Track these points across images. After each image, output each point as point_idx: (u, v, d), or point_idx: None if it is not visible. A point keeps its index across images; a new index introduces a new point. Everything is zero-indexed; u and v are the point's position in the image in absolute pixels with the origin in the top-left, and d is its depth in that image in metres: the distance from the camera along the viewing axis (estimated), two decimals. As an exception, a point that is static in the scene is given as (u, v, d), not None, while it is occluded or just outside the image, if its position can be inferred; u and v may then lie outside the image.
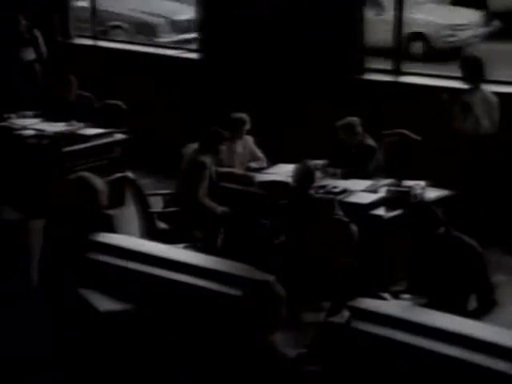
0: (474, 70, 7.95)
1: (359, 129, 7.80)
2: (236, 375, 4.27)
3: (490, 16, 15.26)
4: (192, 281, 5.03)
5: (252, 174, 7.90)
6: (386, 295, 5.57)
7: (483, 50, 13.38)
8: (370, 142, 7.82)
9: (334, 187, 7.30)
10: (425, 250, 5.71)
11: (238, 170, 7.97)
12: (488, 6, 15.35)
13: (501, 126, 7.91)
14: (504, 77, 8.97)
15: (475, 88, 7.90)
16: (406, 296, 5.63)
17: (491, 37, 14.89)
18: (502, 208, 8.21)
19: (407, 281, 5.92)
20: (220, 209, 7.57)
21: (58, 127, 9.12)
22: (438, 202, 7.02)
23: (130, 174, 7.73)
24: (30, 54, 10.98)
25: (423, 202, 6.40)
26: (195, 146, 7.76)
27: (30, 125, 9.25)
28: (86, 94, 9.54)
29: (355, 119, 7.83)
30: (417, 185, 7.23)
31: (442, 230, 5.64)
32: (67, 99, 9.48)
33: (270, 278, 4.90)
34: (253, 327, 4.29)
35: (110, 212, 5.92)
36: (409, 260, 5.94)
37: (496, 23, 15.14)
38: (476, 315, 5.51)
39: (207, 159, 7.55)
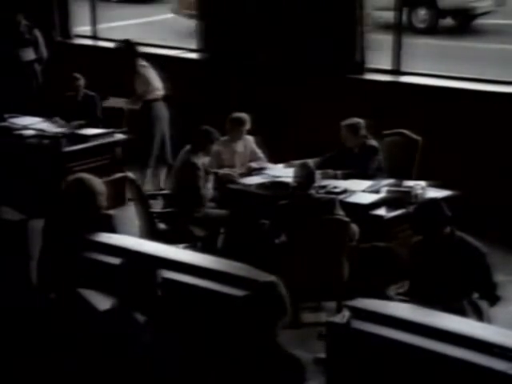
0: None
1: (363, 131, 7.74)
2: (239, 372, 4.30)
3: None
4: (192, 281, 5.02)
5: (236, 174, 7.87)
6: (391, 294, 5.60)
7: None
8: (373, 142, 7.80)
9: (335, 187, 7.29)
10: (429, 248, 5.70)
11: (221, 171, 7.93)
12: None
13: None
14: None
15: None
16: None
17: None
18: (504, 208, 8.22)
19: (408, 279, 5.89)
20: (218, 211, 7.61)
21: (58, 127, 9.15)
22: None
23: (130, 174, 7.73)
24: (29, 54, 10.98)
25: (433, 200, 6.35)
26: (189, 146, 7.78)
27: (30, 125, 9.26)
28: (93, 93, 9.57)
29: (360, 121, 7.75)
30: (417, 185, 7.22)
31: (447, 229, 5.65)
32: (75, 98, 9.52)
33: (270, 277, 4.91)
34: (257, 326, 4.33)
35: (110, 212, 5.92)
36: (410, 258, 5.90)
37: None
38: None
39: (199, 160, 7.57)
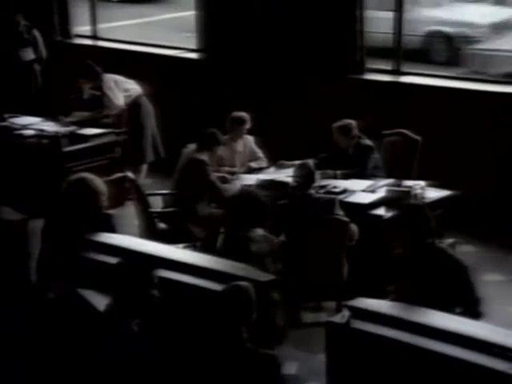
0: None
1: (355, 132, 7.72)
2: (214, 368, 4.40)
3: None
4: (192, 281, 5.03)
5: (230, 176, 7.87)
6: None
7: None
8: (367, 141, 7.78)
9: (335, 187, 7.30)
10: (409, 259, 5.42)
11: (216, 174, 7.93)
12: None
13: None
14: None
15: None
16: None
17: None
18: (503, 207, 8.22)
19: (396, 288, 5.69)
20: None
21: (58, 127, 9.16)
22: (439, 202, 7.03)
23: (130, 174, 7.73)
24: (29, 54, 10.99)
25: (416, 205, 6.08)
26: (195, 146, 7.77)
27: (30, 125, 9.26)
28: (98, 93, 9.59)
29: (352, 122, 7.74)
30: (417, 185, 7.22)
31: (430, 240, 5.36)
32: (80, 98, 9.57)
33: (269, 277, 4.92)
34: (227, 322, 4.45)
35: (110, 212, 5.92)
36: (392, 267, 5.69)
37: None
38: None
39: (206, 157, 7.57)
